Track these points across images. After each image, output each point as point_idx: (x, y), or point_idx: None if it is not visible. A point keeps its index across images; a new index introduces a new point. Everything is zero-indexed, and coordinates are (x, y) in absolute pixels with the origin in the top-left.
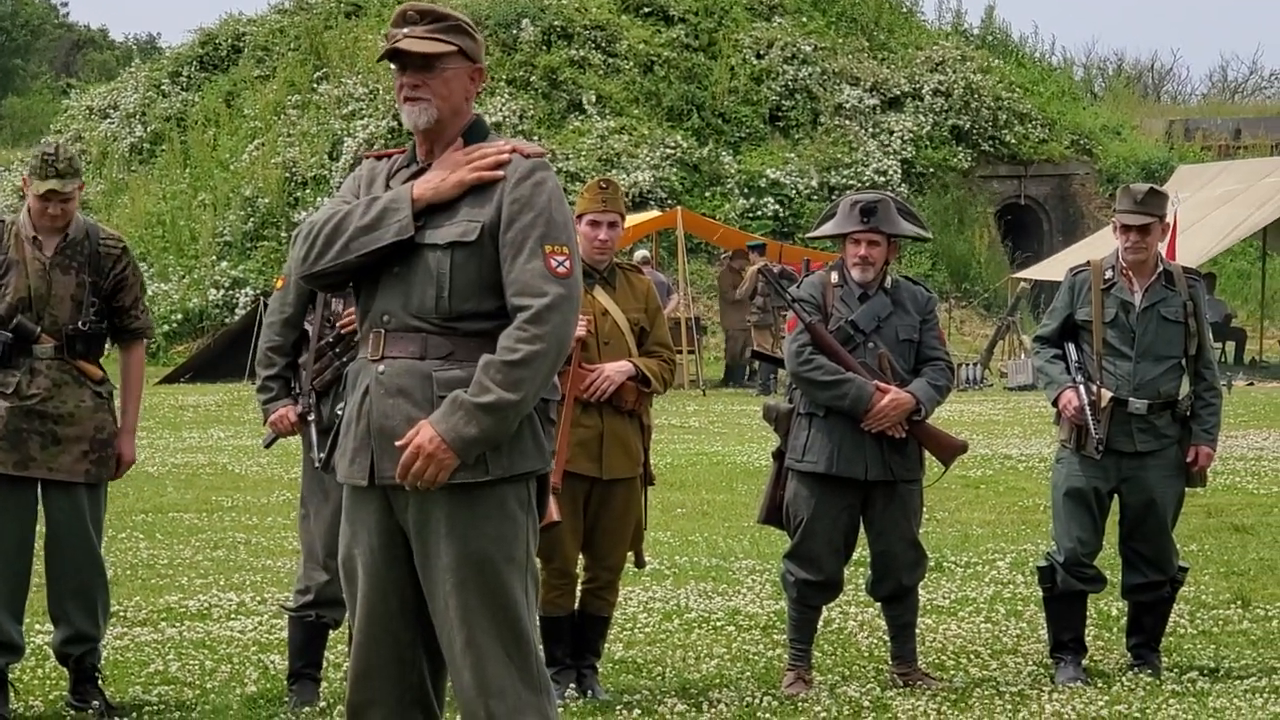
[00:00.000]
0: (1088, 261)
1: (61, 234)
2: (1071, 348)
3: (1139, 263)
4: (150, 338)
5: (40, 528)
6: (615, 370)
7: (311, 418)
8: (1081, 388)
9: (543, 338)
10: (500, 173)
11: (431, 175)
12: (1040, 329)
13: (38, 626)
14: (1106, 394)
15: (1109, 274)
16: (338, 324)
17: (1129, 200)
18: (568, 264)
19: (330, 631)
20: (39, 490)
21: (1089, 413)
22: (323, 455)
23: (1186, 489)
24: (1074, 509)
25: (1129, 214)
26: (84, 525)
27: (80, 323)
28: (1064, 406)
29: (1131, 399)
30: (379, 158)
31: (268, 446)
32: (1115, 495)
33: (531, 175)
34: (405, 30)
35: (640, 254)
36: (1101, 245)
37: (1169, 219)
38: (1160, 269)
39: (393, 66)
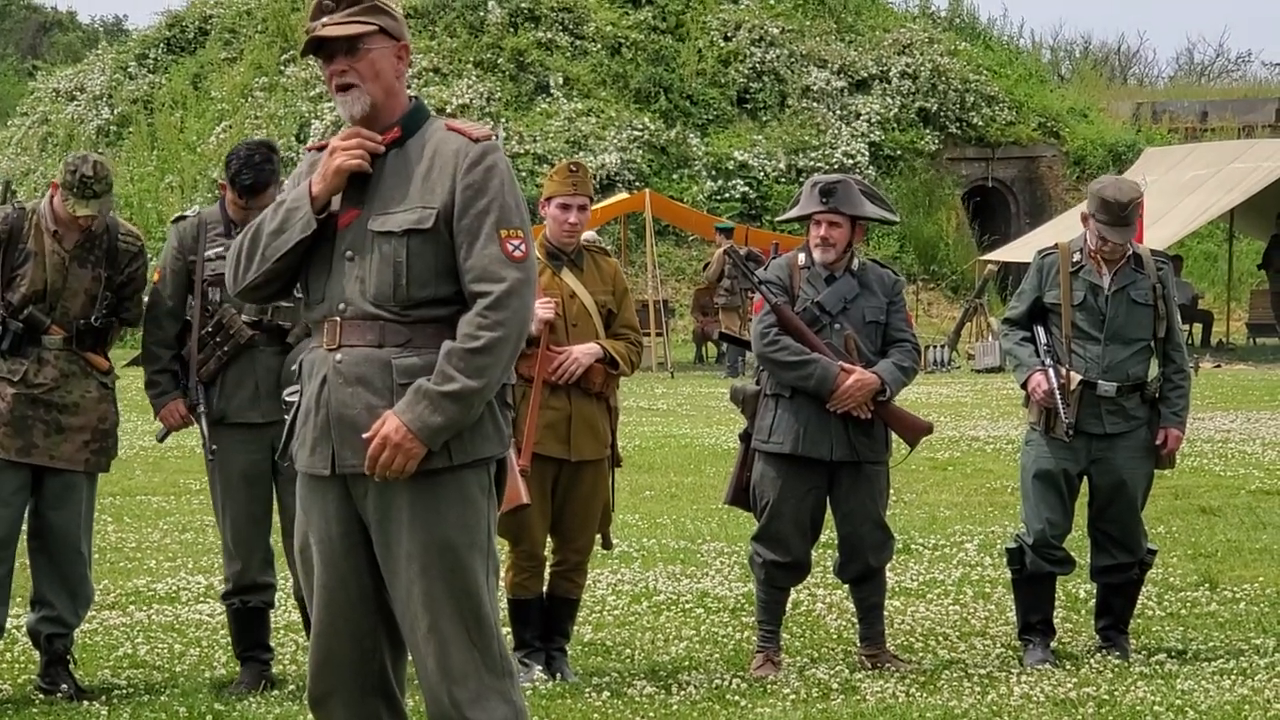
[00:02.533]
0: (1055, 244)
1: (84, 230)
2: (1040, 330)
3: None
4: (136, 326)
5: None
6: (583, 352)
7: (201, 409)
8: (1050, 370)
9: (503, 323)
10: (364, 155)
11: (321, 166)
12: (1008, 311)
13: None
14: (1075, 377)
15: (1077, 257)
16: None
17: (1111, 214)
18: (523, 247)
19: (269, 613)
20: (33, 477)
21: (1058, 396)
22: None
23: (1155, 471)
24: (1043, 491)
25: (1110, 228)
26: (77, 514)
27: (93, 317)
28: (1033, 389)
29: (1100, 381)
30: (320, 149)
31: (161, 441)
32: (1084, 477)
33: (483, 160)
34: (324, 19)
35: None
36: (1069, 227)
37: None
38: (1130, 252)
39: (318, 61)
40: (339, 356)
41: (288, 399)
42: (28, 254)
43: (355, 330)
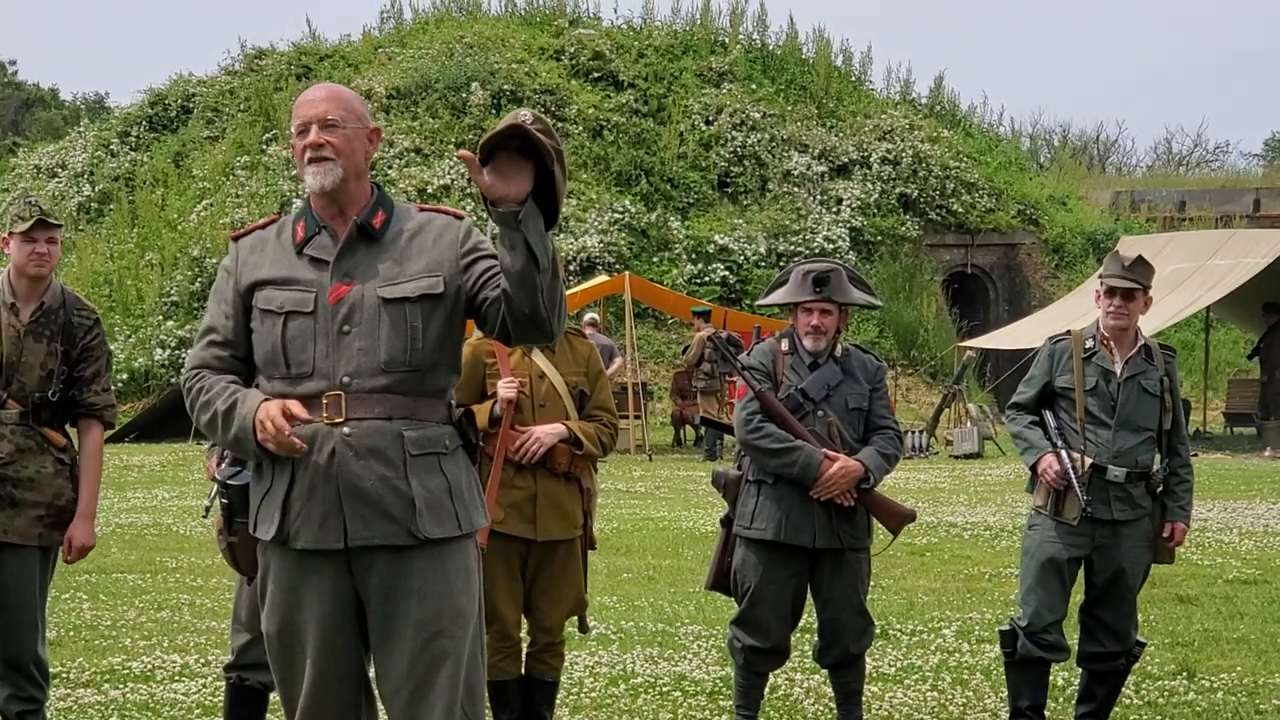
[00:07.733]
0: (1068, 330)
1: (39, 300)
2: (1049, 415)
3: (1120, 330)
4: (109, 423)
5: None
6: (545, 433)
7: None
8: (1063, 453)
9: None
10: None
11: (260, 427)
12: (1017, 396)
13: None
14: (1087, 460)
15: (1089, 343)
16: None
17: (1117, 265)
18: None
19: (267, 696)
20: None
21: (1074, 477)
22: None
23: (1154, 563)
24: (1046, 576)
25: (1116, 278)
26: (32, 589)
27: (50, 392)
28: (1044, 471)
29: (1110, 466)
30: (245, 235)
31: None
32: (1081, 563)
33: (472, 233)
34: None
35: (589, 316)
36: (1051, 319)
37: (1152, 292)
38: (1141, 342)
39: (292, 133)
40: (347, 430)
41: (232, 483)
42: None
43: (363, 403)
